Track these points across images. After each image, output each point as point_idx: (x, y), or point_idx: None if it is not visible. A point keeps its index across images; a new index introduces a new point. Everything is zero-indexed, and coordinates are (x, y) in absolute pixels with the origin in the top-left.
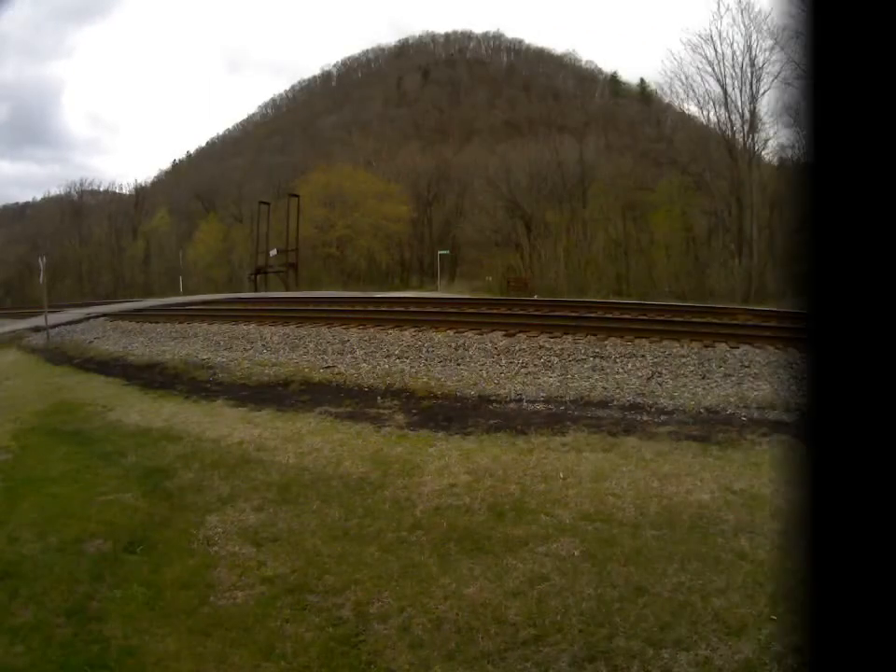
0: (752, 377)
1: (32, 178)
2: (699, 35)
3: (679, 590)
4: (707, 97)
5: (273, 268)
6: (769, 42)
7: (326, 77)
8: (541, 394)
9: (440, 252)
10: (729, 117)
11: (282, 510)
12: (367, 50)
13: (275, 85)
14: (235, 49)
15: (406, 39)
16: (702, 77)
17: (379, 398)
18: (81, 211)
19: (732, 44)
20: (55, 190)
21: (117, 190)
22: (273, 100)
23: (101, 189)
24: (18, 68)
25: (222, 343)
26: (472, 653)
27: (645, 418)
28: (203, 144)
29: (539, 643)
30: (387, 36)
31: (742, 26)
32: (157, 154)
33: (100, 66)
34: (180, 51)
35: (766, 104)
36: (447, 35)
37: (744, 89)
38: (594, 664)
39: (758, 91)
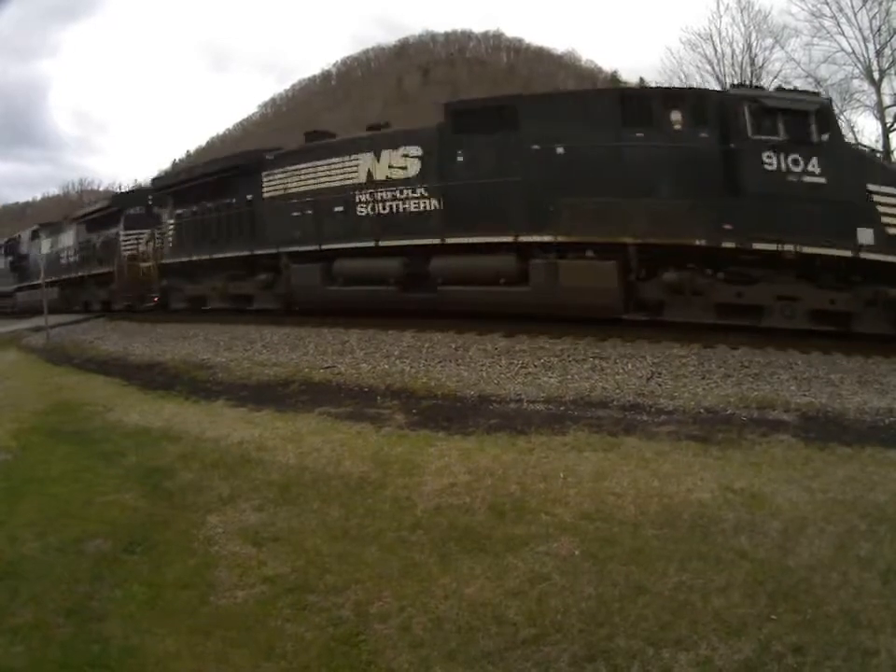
0: (752, 377)
1: (24, 178)
2: (699, 34)
3: (679, 589)
4: None
5: None
6: (769, 41)
7: (326, 76)
8: (541, 394)
9: None
10: None
11: (282, 509)
12: (367, 50)
13: (275, 85)
14: (234, 50)
15: (406, 39)
16: (701, 76)
17: (379, 398)
18: None
19: (731, 43)
20: (53, 190)
21: (116, 190)
22: (273, 99)
23: (100, 189)
24: (3, 67)
25: (222, 342)
26: (473, 653)
27: (645, 418)
28: (204, 143)
29: (539, 642)
30: (387, 36)
31: (742, 25)
32: (155, 154)
33: (86, 64)
34: (171, 51)
35: None
36: (447, 35)
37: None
38: (594, 663)
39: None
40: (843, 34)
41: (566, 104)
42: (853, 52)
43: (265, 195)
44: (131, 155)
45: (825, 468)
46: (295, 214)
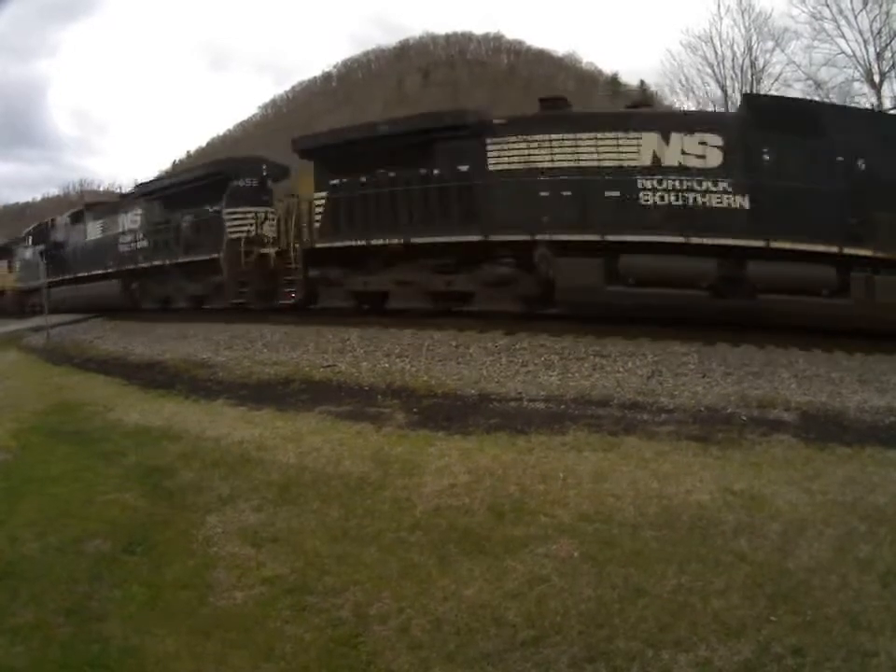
0: (753, 375)
1: (24, 179)
2: (699, 37)
3: (678, 591)
4: (707, 98)
5: None
6: (770, 44)
7: (326, 77)
8: (542, 392)
9: None
10: None
11: (282, 510)
12: (367, 52)
13: (274, 86)
14: (233, 51)
15: (406, 40)
16: (702, 79)
17: (379, 396)
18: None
19: (732, 45)
20: (54, 191)
21: (117, 190)
22: (274, 101)
23: (100, 189)
24: (2, 67)
25: (222, 342)
26: (472, 654)
27: (645, 417)
28: (204, 144)
29: (538, 644)
30: (387, 37)
31: (742, 28)
32: (155, 155)
33: (85, 64)
34: (170, 51)
35: None
36: (447, 37)
37: (744, 90)
38: (593, 664)
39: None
40: (843, 36)
41: (863, 120)
42: (853, 55)
43: (492, 167)
44: (130, 155)
45: (825, 468)
46: (544, 194)
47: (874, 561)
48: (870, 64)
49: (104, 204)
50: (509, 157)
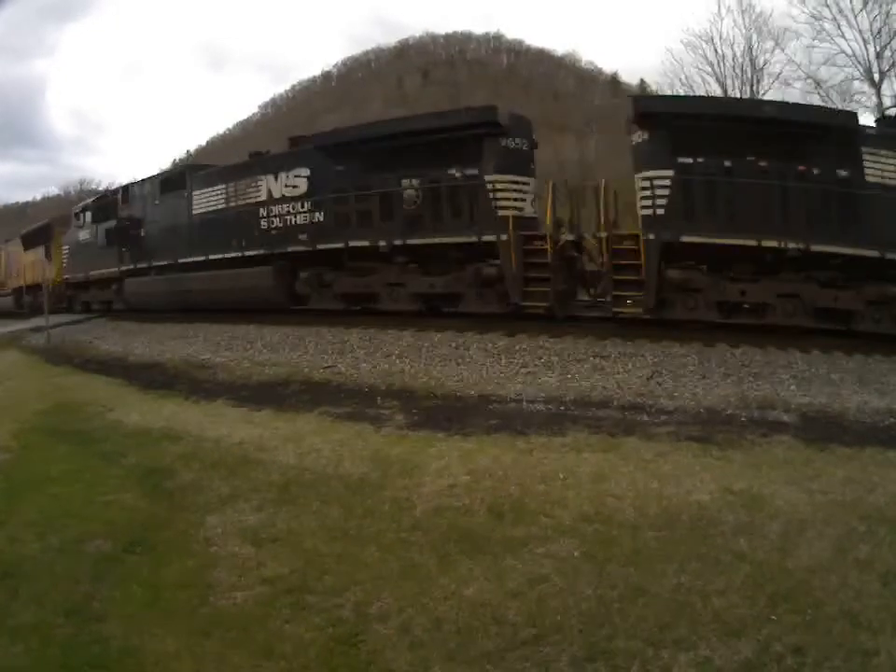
0: (752, 377)
1: (22, 179)
2: (699, 36)
3: (678, 590)
4: None
5: None
6: (770, 43)
7: (326, 77)
8: (541, 394)
9: None
10: None
11: (282, 510)
12: (367, 51)
13: (274, 86)
14: (232, 51)
15: (406, 40)
16: (702, 78)
17: (379, 397)
18: None
19: (732, 44)
20: (54, 190)
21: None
22: (274, 100)
23: (100, 189)
24: (0, 67)
25: (222, 342)
26: (472, 653)
27: (645, 418)
28: (204, 143)
29: (538, 643)
30: (387, 37)
31: (742, 27)
32: (154, 155)
33: (83, 64)
34: (169, 51)
35: None
36: (447, 36)
37: (744, 89)
38: (593, 664)
39: (758, 92)
40: (843, 36)
41: None
42: (853, 54)
43: (869, 178)
44: (129, 155)
45: (825, 468)
46: None
47: (873, 560)
48: (870, 63)
49: (216, 167)
50: (883, 170)
